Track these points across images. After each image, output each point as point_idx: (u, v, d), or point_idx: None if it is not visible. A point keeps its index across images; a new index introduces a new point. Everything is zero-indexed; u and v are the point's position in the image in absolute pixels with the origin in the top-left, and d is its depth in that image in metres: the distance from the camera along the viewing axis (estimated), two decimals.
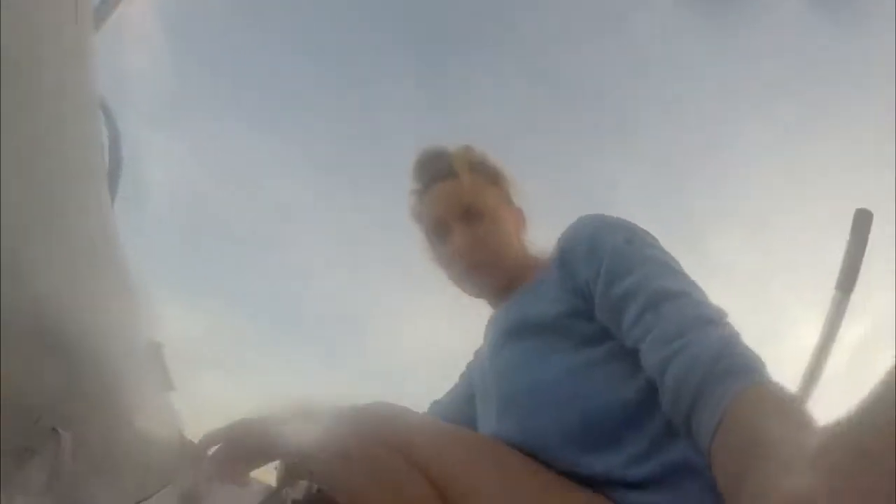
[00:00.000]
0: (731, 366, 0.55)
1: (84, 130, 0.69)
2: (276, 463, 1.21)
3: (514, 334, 0.84)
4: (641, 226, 0.81)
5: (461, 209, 0.92)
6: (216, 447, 0.83)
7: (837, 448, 0.32)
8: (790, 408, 0.50)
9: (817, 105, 2.28)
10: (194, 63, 2.56)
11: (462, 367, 1.09)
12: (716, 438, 0.51)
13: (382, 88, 2.79)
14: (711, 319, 0.63)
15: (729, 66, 2.49)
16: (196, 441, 0.89)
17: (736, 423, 0.50)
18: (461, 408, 1.01)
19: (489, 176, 0.96)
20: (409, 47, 2.81)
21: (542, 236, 1.00)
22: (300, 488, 1.06)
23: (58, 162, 0.64)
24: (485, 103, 2.71)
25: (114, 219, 0.85)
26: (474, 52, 2.81)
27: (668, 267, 0.73)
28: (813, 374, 1.20)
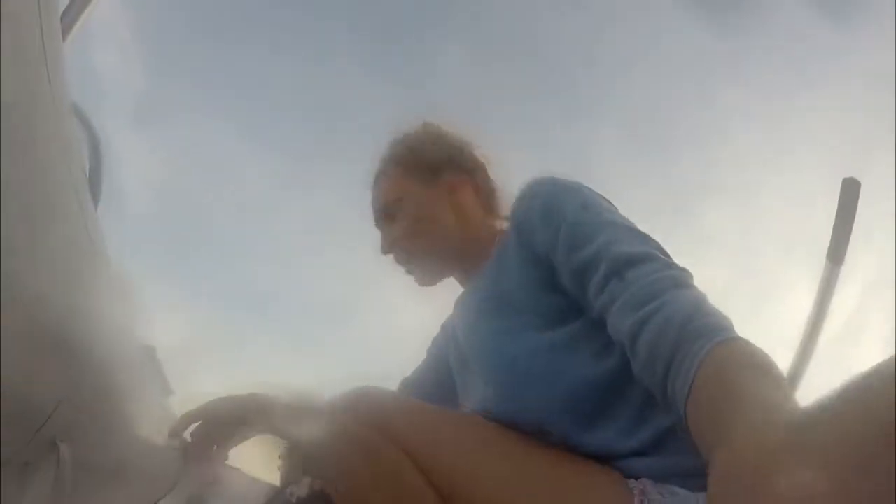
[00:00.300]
0: (703, 326, 0.55)
1: (57, 137, 0.68)
2: (280, 462, 1.22)
3: (485, 314, 0.83)
4: (629, 196, 0.80)
5: (381, 211, 0.94)
6: (194, 426, 0.83)
7: (833, 436, 0.32)
8: (762, 361, 0.51)
9: (802, 70, 2.28)
10: (161, 61, 2.52)
11: None
12: (690, 396, 0.51)
13: (349, 70, 2.76)
14: (678, 282, 0.62)
15: (709, 31, 2.48)
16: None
17: (708, 378, 0.51)
18: (434, 383, 1.01)
19: (423, 163, 0.93)
20: (371, 25, 2.78)
21: None
22: (304, 486, 1.06)
23: (34, 169, 0.63)
24: (457, 74, 2.69)
25: (98, 224, 0.84)
26: (439, 25, 2.78)
27: (628, 230, 0.72)
28: (807, 345, 1.21)
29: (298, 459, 0.91)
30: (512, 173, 0.96)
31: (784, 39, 2.30)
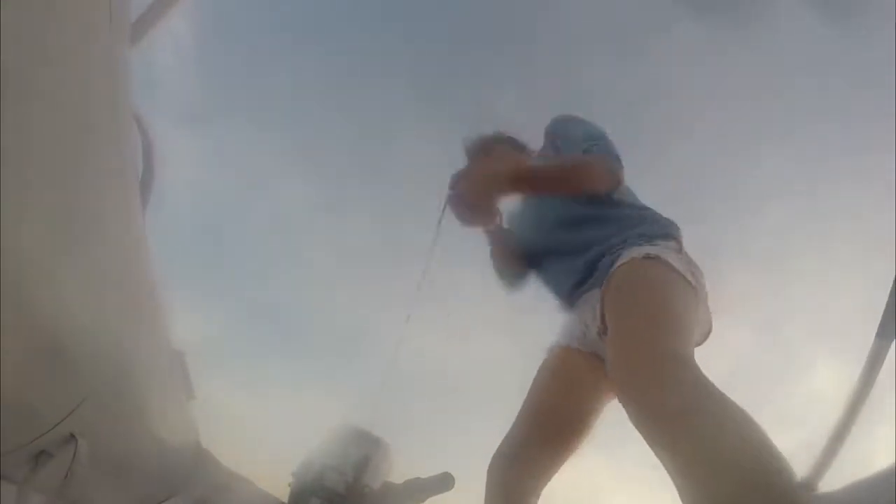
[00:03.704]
0: None
1: (116, 141, 0.69)
2: (291, 480, 1.22)
3: None
4: None
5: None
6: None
7: None
8: None
9: (840, 139, 2.21)
10: (219, 67, 2.59)
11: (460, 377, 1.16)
12: None
13: (404, 111, 2.82)
14: None
15: (758, 101, 2.43)
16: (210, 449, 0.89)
17: None
18: None
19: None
20: (426, 67, 2.82)
21: None
22: None
23: (87, 170, 0.64)
24: (505, 121, 2.71)
25: (143, 227, 0.84)
26: (496, 67, 2.79)
27: None
28: (847, 422, 1.15)
29: (310, 479, 0.90)
30: None
31: (831, 110, 2.24)
